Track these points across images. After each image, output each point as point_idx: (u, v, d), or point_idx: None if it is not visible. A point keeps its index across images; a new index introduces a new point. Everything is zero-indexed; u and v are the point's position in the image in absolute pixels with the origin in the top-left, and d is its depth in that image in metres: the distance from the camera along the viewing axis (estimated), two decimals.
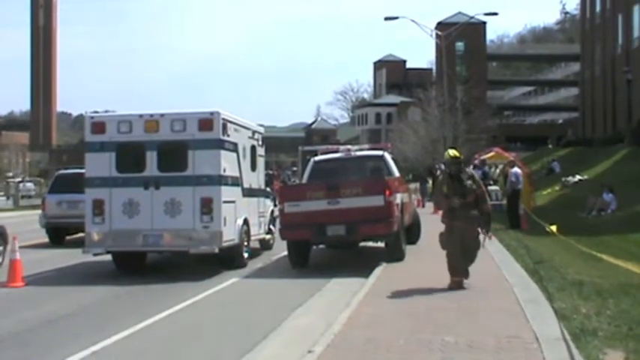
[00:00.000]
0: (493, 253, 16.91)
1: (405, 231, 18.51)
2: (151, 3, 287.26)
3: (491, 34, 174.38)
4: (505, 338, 9.13)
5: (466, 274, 13.03)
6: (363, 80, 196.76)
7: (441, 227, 13.21)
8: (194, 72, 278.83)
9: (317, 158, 20.26)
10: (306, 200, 16.78)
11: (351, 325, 10.21)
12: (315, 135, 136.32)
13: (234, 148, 17.33)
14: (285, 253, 18.01)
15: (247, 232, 18.10)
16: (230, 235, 16.73)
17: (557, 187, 40.54)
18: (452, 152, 13.47)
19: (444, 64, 54.89)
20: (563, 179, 41.22)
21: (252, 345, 9.87)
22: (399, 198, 17.56)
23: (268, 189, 21.54)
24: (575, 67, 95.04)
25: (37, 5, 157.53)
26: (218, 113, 16.40)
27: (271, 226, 21.30)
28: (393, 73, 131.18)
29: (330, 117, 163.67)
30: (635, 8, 56.04)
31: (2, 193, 65.36)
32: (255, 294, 14.40)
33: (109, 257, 17.29)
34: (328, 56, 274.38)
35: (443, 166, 49.96)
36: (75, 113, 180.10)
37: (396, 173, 19.31)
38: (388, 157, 19.94)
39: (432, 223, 24.72)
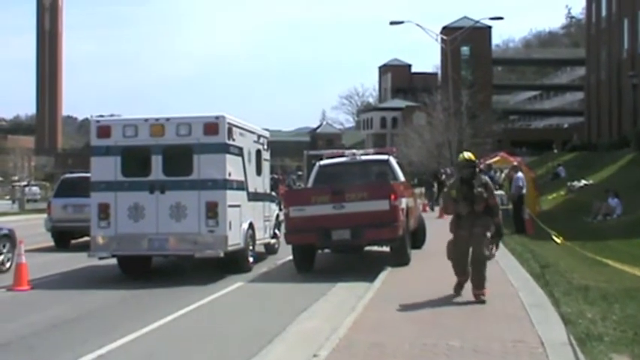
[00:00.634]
0: (498, 258, 16.85)
1: (411, 235, 18.50)
2: (155, 7, 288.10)
3: (497, 38, 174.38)
4: (510, 343, 9.12)
5: (475, 284, 12.11)
6: (369, 84, 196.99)
7: (446, 231, 13.16)
8: (199, 76, 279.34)
9: (322, 162, 20.25)
10: (311, 204, 16.78)
11: (356, 329, 10.21)
12: (321, 139, 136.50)
13: (239, 152, 17.35)
14: (290, 257, 18.02)
15: (252, 237, 18.11)
16: (235, 239, 16.74)
17: (562, 192, 40.48)
18: (466, 155, 12.65)
19: (449, 69, 54.88)
20: (569, 184, 41.16)
21: (257, 349, 9.86)
22: (404, 202, 17.54)
23: (273, 193, 21.56)
24: (581, 71, 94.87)
25: (43, 9, 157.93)
26: (223, 117, 16.42)
27: (276, 231, 21.30)
28: (398, 77, 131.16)
29: (336, 121, 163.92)
30: None
31: (8, 197, 65.48)
32: (260, 298, 14.40)
33: (114, 261, 17.31)
34: (333, 60, 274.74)
35: (449, 170, 49.80)
36: (80, 117, 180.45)
37: (402, 178, 19.29)
38: (393, 161, 19.93)
39: (437, 227, 24.71)
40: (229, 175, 16.52)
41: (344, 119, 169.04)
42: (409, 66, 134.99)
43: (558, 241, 19.36)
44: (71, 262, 19.55)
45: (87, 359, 9.50)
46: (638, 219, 25.36)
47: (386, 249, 18.05)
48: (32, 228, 28.86)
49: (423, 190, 45.98)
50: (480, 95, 78.71)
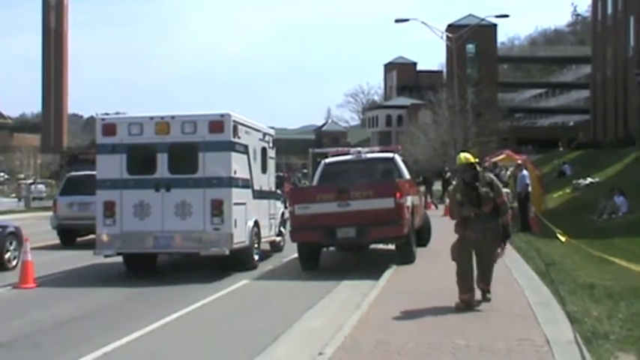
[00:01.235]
0: (503, 256, 16.85)
1: (416, 233, 18.49)
2: (160, 5, 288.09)
3: (502, 36, 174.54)
4: (516, 341, 9.11)
5: (481, 279, 11.72)
6: (374, 82, 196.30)
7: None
8: (205, 74, 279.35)
9: (327, 160, 20.25)
10: (316, 202, 16.78)
11: (361, 327, 10.20)
12: (326, 137, 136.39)
13: (244, 150, 17.35)
14: (296, 255, 18.02)
15: (258, 234, 18.12)
16: (241, 237, 16.75)
17: (568, 190, 40.42)
18: (464, 157, 11.90)
19: (454, 67, 54.77)
20: (574, 182, 41.10)
21: (262, 347, 9.87)
22: (409, 200, 17.53)
23: (279, 191, 21.55)
24: (587, 69, 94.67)
25: (49, 8, 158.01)
26: (229, 115, 16.42)
27: (282, 229, 21.31)
28: (403, 75, 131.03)
29: (341, 119, 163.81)
30: None
31: (14, 195, 65.60)
32: (265, 296, 14.41)
33: (119, 259, 17.33)
34: (339, 58, 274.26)
35: (453, 169, 49.69)
36: (86, 115, 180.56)
37: (407, 176, 19.28)
38: (399, 159, 19.92)
39: (442, 225, 24.70)
40: (235, 173, 16.53)
41: (349, 117, 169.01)
42: (414, 64, 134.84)
43: (563, 239, 19.32)
44: (77, 259, 19.58)
45: (92, 357, 9.50)
46: None
47: (391, 247, 18.05)
48: (38, 226, 28.94)
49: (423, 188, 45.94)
50: (486, 93, 78.58)
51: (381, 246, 19.08)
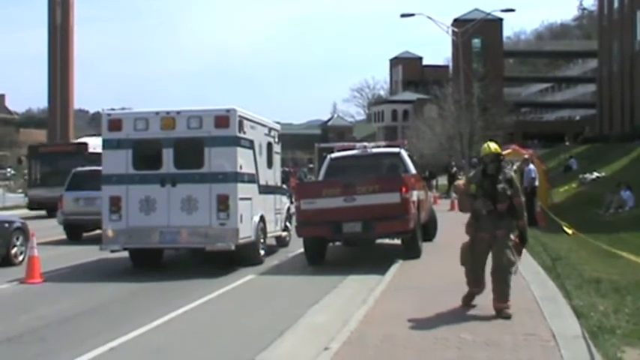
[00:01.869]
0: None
1: (422, 228, 18.47)
2: (165, 2, 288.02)
3: (508, 30, 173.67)
4: (522, 336, 9.10)
5: (498, 296, 10.44)
6: (379, 77, 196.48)
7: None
8: (211, 70, 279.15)
9: (333, 155, 20.25)
10: (322, 197, 16.78)
11: (367, 322, 10.20)
12: (332, 132, 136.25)
13: (250, 145, 17.35)
14: (302, 250, 18.03)
15: (264, 229, 18.13)
16: (246, 232, 16.75)
17: (574, 185, 40.37)
18: (492, 146, 10.77)
19: (460, 61, 54.70)
20: (581, 176, 41.05)
21: (268, 342, 9.87)
22: (415, 195, 17.52)
23: (284, 186, 21.55)
24: (593, 63, 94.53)
25: (54, 4, 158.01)
26: (234, 110, 16.42)
27: (287, 223, 21.31)
28: (409, 69, 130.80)
29: (347, 114, 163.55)
30: None
31: (20, 190, 65.61)
32: (271, 291, 14.41)
33: (125, 254, 17.36)
34: (344, 53, 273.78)
35: (454, 163, 49.49)
36: (92, 110, 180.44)
37: (413, 170, 19.26)
38: (404, 154, 19.90)
39: (449, 220, 24.69)
40: (240, 168, 16.53)
41: (355, 112, 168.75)
42: (420, 58, 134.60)
43: (569, 232, 19.27)
44: (83, 255, 19.61)
45: (98, 352, 9.51)
46: None
47: (397, 242, 18.05)
48: (44, 221, 29.00)
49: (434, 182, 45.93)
50: (492, 88, 78.59)
51: (387, 241, 19.07)
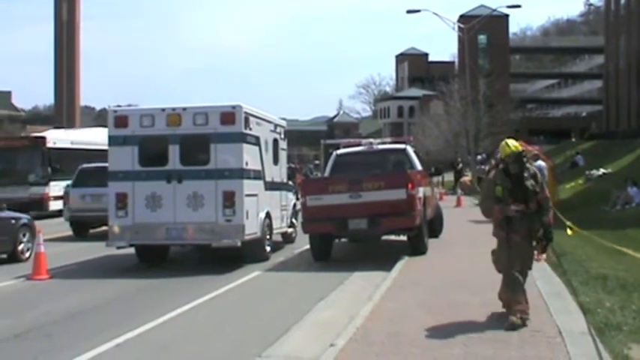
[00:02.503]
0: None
1: (428, 224, 18.46)
2: None
3: (514, 26, 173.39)
4: (529, 332, 9.09)
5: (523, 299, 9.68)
6: (386, 73, 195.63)
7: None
8: (217, 66, 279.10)
9: (339, 152, 20.25)
10: (328, 194, 16.77)
11: (373, 318, 10.20)
12: (338, 128, 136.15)
13: (256, 141, 17.35)
14: (308, 246, 18.04)
15: (270, 226, 18.13)
16: (252, 228, 16.76)
17: (580, 181, 40.26)
18: (512, 144, 9.90)
19: (466, 57, 54.57)
20: (587, 173, 40.94)
21: (274, 338, 9.88)
22: (421, 191, 17.50)
23: (290, 182, 21.56)
24: (599, 59, 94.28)
25: (61, 1, 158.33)
26: (240, 107, 16.42)
27: (293, 220, 21.32)
28: (415, 66, 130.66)
29: (353, 110, 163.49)
30: None
31: None
32: (277, 287, 14.42)
33: (132, 250, 17.38)
34: (350, 49, 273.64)
35: (470, 158, 49.37)
36: (98, 107, 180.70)
37: (419, 167, 19.25)
38: (410, 150, 19.89)
39: (455, 216, 24.67)
40: (246, 164, 16.53)
41: (361, 108, 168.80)
42: (426, 55, 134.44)
43: (569, 232, 19.12)
44: (89, 251, 19.65)
45: (104, 348, 9.53)
46: None
47: (403, 238, 18.03)
48: (51, 217, 29.05)
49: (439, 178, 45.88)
50: (498, 84, 78.33)
51: (392, 237, 19.06)
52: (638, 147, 43.98)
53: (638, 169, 35.12)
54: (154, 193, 16.40)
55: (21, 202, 28.60)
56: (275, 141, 19.29)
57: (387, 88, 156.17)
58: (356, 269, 15.94)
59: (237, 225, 16.12)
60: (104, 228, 19.25)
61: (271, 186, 18.56)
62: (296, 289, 14.03)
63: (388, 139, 24.31)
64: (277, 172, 19.47)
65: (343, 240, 19.30)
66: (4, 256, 17.99)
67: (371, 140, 21.70)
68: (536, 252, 9.92)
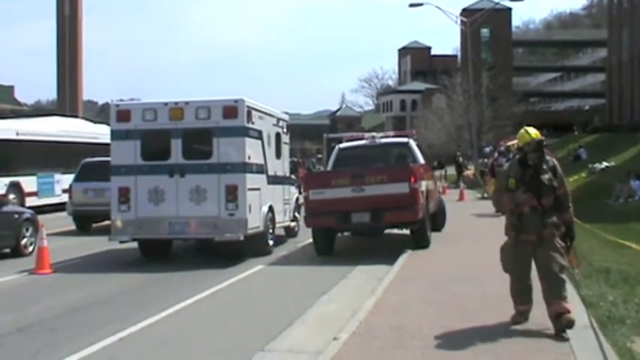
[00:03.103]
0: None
1: (431, 218, 18.46)
2: None
3: (517, 20, 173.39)
4: (532, 326, 9.07)
5: (560, 300, 8.70)
6: (388, 67, 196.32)
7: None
8: (218, 60, 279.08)
9: (342, 145, 20.23)
10: (331, 188, 16.77)
11: (376, 312, 10.21)
12: (340, 122, 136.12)
13: (258, 135, 17.34)
14: (310, 240, 18.04)
15: (272, 220, 18.13)
16: (255, 222, 16.76)
17: (583, 174, 40.26)
18: (533, 132, 9.10)
19: (469, 51, 54.55)
20: (590, 166, 40.95)
21: (277, 332, 9.88)
22: (424, 185, 17.50)
23: (293, 176, 21.55)
24: (602, 52, 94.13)
25: None
26: (242, 101, 16.41)
27: (296, 214, 21.33)
28: (417, 59, 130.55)
29: (355, 104, 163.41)
30: None
31: None
32: (280, 281, 14.43)
33: (134, 245, 17.39)
34: (353, 43, 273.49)
35: (472, 152, 49.31)
36: (101, 102, 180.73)
37: (421, 160, 19.23)
38: (413, 144, 19.87)
39: (457, 210, 24.66)
40: (249, 158, 16.53)
41: (363, 102, 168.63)
42: (429, 48, 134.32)
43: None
44: (92, 245, 19.65)
45: (107, 342, 9.54)
46: None
47: (406, 232, 18.03)
48: (54, 212, 29.06)
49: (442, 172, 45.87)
50: (500, 77, 78.30)
51: (395, 231, 19.07)
52: None
53: None
54: (157, 188, 16.40)
55: None
56: (277, 135, 19.28)
57: (390, 82, 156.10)
58: (359, 263, 15.94)
59: (240, 219, 16.12)
60: (107, 222, 19.23)
61: (274, 180, 18.56)
62: (299, 283, 14.03)
63: (391, 133, 24.26)
64: (280, 166, 19.47)
65: (346, 234, 19.31)
66: (7, 250, 18.00)
67: (373, 134, 21.67)
68: (568, 256, 9.11)
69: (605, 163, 40.20)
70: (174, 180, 16.35)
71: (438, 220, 20.41)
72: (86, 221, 24.63)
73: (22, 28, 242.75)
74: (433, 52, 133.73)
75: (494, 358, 7.91)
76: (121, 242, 17.10)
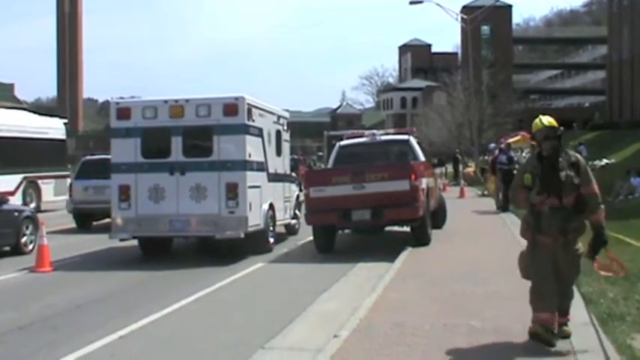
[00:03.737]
0: (518, 236, 16.79)
1: (431, 215, 18.45)
2: None
3: (517, 17, 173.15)
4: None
5: (557, 311, 8.21)
6: (389, 65, 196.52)
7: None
8: (219, 57, 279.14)
9: (342, 143, 20.23)
10: (331, 185, 16.77)
11: (376, 309, 10.20)
12: (341, 120, 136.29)
13: (259, 133, 17.33)
14: (311, 238, 18.03)
15: (273, 217, 18.13)
16: (256, 220, 16.76)
17: None
18: (546, 119, 8.30)
19: (469, 48, 54.50)
20: (590, 163, 40.84)
21: (278, 329, 9.88)
22: (424, 182, 17.49)
23: (294, 174, 21.55)
24: (603, 49, 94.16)
25: None
26: (243, 98, 16.40)
27: (297, 211, 21.32)
28: (418, 57, 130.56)
29: (356, 102, 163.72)
30: None
31: None
32: (280, 279, 14.42)
33: (135, 243, 17.39)
34: (353, 41, 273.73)
35: (473, 149, 49.21)
36: (101, 99, 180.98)
37: (422, 157, 19.23)
38: (414, 141, 19.87)
39: (458, 207, 24.66)
40: (249, 156, 16.52)
41: (364, 100, 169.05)
42: (429, 46, 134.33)
43: None
44: (92, 243, 19.66)
45: (108, 340, 9.54)
46: None
47: (406, 229, 18.03)
48: (54, 210, 29.07)
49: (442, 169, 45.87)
50: (501, 75, 78.34)
51: (396, 228, 19.06)
52: None
53: None
54: (157, 185, 16.40)
55: None
56: (278, 132, 19.27)
57: (390, 80, 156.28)
58: (359, 260, 15.93)
59: (241, 217, 16.12)
60: (107, 220, 19.23)
61: (274, 177, 18.55)
62: (299, 281, 14.03)
63: (391, 130, 24.28)
64: (280, 164, 19.46)
65: (346, 231, 19.30)
66: (8, 248, 17.99)
67: (374, 131, 21.69)
68: (595, 262, 8.48)
69: (605, 160, 40.20)
70: (175, 178, 16.34)
71: (438, 217, 20.40)
72: (86, 219, 24.62)
73: (23, 25, 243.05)
74: (434, 49, 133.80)
75: (495, 355, 7.92)
76: (122, 240, 17.09)
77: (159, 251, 17.46)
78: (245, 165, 16.31)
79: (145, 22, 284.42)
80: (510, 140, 39.11)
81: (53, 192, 29.80)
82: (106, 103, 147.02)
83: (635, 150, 41.81)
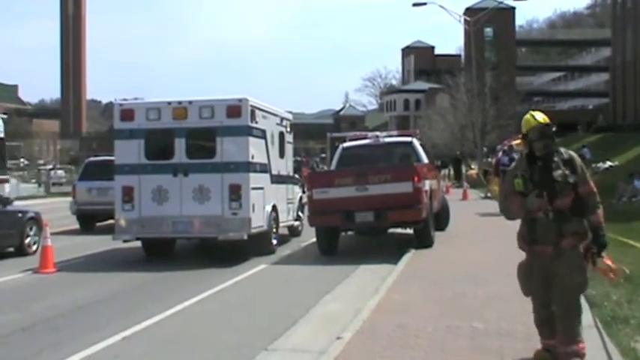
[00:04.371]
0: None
1: (434, 217, 18.45)
2: None
3: (521, 19, 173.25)
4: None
5: (553, 335, 7.48)
6: (392, 66, 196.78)
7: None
8: (223, 59, 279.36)
9: (345, 145, 20.22)
10: (334, 187, 16.76)
11: (379, 311, 10.20)
12: (344, 121, 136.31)
13: (262, 134, 17.34)
14: (314, 239, 18.03)
15: (276, 219, 18.13)
16: (259, 221, 16.76)
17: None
18: (539, 116, 7.59)
19: (472, 50, 54.52)
20: (594, 165, 40.87)
21: (281, 331, 9.88)
22: (427, 184, 17.48)
23: (297, 176, 21.55)
24: (606, 52, 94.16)
25: None
26: (246, 100, 16.41)
27: (300, 213, 21.32)
28: (421, 59, 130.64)
29: (359, 103, 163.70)
30: None
31: (34, 181, 65.96)
32: (283, 280, 14.42)
33: (138, 244, 17.40)
34: (356, 42, 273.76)
35: (476, 151, 49.16)
36: (104, 101, 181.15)
37: (425, 159, 19.22)
38: (417, 143, 19.85)
39: (461, 209, 24.64)
40: (252, 157, 16.53)
41: (367, 101, 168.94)
42: (432, 48, 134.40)
43: None
44: (96, 244, 19.68)
45: (111, 341, 9.54)
46: None
47: (409, 231, 18.02)
48: (58, 211, 29.08)
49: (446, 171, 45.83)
50: (504, 77, 78.17)
51: (399, 230, 19.06)
52: None
53: None
54: (161, 187, 16.41)
55: None
56: (281, 134, 19.28)
57: (394, 81, 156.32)
58: (362, 262, 15.94)
59: (244, 218, 16.12)
60: (111, 221, 19.25)
61: (277, 179, 18.55)
62: (302, 283, 14.03)
63: (394, 132, 24.26)
64: (283, 166, 19.46)
65: (349, 233, 19.29)
66: (12, 249, 18.03)
67: (377, 133, 21.66)
68: (594, 266, 7.60)
69: (608, 163, 40.15)
70: (178, 179, 16.36)
71: (441, 219, 20.40)
72: (90, 220, 24.66)
73: (26, 27, 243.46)
74: (437, 51, 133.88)
75: (498, 357, 7.91)
76: (125, 241, 17.11)
77: (162, 252, 17.48)
78: (248, 166, 16.32)
79: (145, 23, 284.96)
80: (514, 142, 39.00)
81: None
82: (110, 105, 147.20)
83: (638, 152, 41.78)
